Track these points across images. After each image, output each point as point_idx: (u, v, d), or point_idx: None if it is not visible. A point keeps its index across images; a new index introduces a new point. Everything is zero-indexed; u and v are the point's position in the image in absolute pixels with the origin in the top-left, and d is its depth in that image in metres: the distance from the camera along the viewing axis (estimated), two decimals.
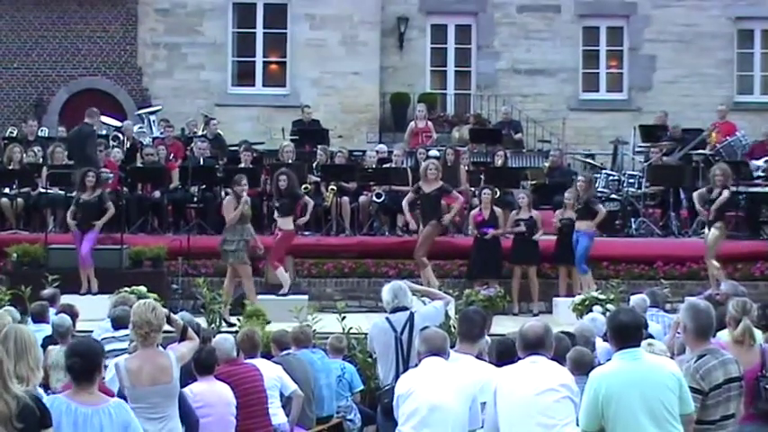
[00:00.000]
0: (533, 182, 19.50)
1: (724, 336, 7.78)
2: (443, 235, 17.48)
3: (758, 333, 7.93)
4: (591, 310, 13.29)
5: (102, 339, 9.79)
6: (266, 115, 24.01)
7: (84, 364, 5.94)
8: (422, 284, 15.72)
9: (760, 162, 19.35)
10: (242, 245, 15.49)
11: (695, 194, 16.75)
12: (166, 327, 7.54)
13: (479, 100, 24.68)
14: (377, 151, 20.10)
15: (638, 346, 6.49)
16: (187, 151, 20.07)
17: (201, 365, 9.06)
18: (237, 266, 15.52)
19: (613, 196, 18.92)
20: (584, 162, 21.80)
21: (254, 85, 24.74)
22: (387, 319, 9.09)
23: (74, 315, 11.22)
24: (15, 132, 21.51)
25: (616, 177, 19.56)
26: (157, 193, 18.80)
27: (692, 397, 6.44)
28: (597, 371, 6.53)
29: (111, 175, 18.18)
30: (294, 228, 16.35)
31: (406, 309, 9.15)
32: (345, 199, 18.51)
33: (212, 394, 8.94)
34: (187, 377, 8.70)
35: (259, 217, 18.46)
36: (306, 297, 15.32)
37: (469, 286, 15.87)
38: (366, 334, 12.16)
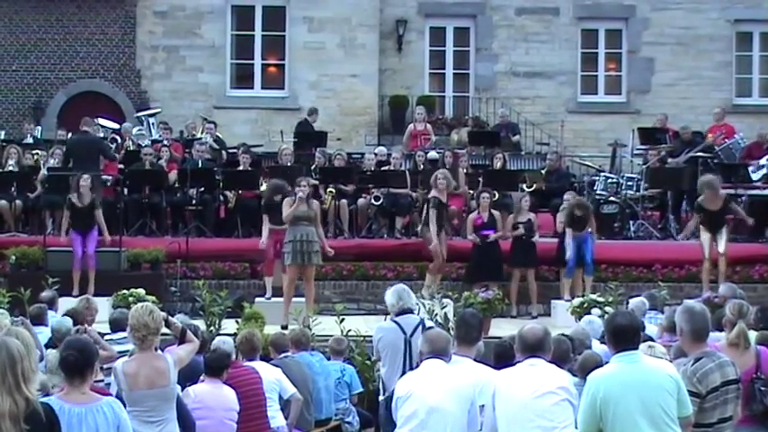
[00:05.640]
0: (531, 185, 19.46)
1: (718, 337, 7.78)
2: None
3: (753, 335, 7.93)
4: (589, 313, 13.28)
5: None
6: (265, 118, 24.02)
7: (80, 358, 5.89)
8: (428, 289, 15.79)
9: (762, 161, 19.28)
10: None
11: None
12: (164, 330, 7.54)
13: (478, 102, 24.67)
14: (375, 154, 20.07)
15: (636, 348, 6.47)
16: (186, 154, 20.06)
17: (209, 366, 9.07)
18: (311, 267, 15.18)
19: (612, 199, 18.91)
20: (582, 164, 21.79)
21: (252, 88, 24.72)
22: (394, 321, 9.05)
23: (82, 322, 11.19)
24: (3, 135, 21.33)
25: (615, 180, 19.55)
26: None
27: (690, 400, 6.44)
28: (595, 373, 6.51)
29: (110, 178, 18.18)
30: None
31: (411, 311, 9.12)
32: (344, 201, 18.49)
33: (213, 398, 8.91)
34: (185, 380, 8.68)
35: (256, 219, 18.49)
36: (304, 300, 15.29)
37: (468, 289, 15.86)
38: (365, 337, 12.21)
